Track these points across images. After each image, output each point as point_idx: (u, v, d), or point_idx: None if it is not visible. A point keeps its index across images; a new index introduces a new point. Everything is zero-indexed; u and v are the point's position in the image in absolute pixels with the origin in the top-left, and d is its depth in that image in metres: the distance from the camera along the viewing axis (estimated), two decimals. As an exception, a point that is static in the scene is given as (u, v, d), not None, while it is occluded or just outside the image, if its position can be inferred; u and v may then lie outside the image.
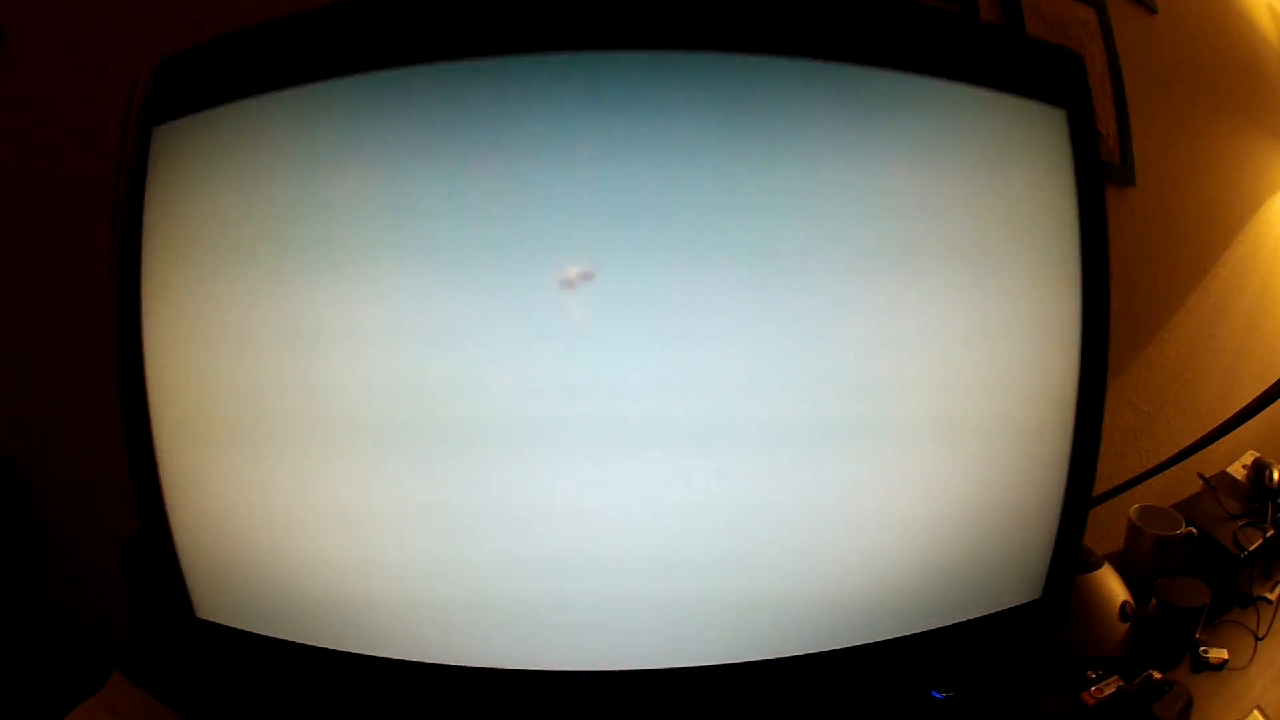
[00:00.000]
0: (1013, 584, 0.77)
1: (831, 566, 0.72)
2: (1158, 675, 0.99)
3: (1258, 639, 1.13)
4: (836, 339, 0.71)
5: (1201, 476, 1.26)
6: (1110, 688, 0.95)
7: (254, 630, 0.77)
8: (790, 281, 0.70)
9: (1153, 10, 1.54)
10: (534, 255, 0.67)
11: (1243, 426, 1.37)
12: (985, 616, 0.75)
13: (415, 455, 0.70)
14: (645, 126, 0.67)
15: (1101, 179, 0.79)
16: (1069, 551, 0.77)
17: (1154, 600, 1.04)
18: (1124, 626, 1.00)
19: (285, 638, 0.76)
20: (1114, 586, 1.01)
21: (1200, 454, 1.34)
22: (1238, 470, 1.31)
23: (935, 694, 0.75)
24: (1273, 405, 1.32)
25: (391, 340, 0.69)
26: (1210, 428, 1.31)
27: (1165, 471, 1.29)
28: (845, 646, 0.72)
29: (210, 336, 0.72)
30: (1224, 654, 1.09)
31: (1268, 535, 1.22)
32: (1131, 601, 1.02)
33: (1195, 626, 1.07)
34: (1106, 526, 1.18)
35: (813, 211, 0.70)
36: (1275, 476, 1.28)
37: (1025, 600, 0.77)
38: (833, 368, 0.71)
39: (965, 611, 0.75)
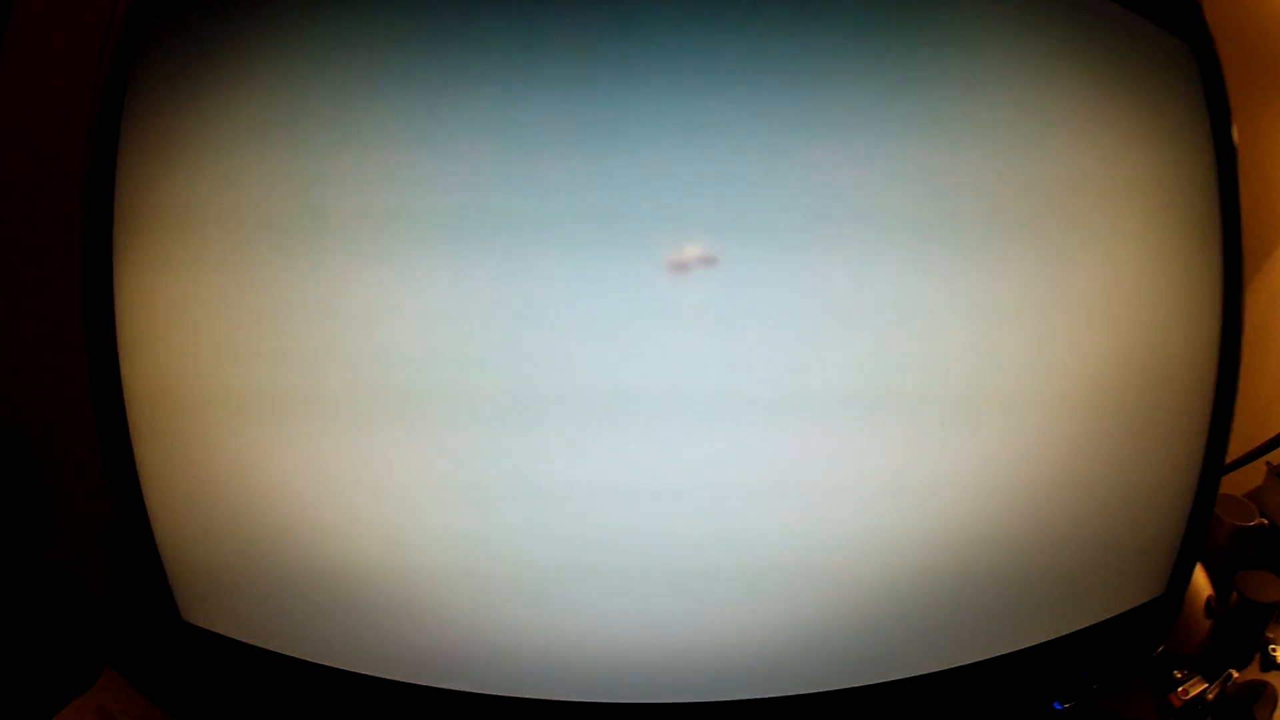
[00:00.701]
0: (1136, 580, 0.70)
1: (952, 580, 0.64)
2: (1236, 674, 0.93)
3: (1318, 636, 1.09)
4: (962, 303, 0.62)
5: (1270, 465, 1.20)
6: (1195, 688, 0.89)
7: (245, 640, 0.67)
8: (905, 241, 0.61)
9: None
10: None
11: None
12: (1107, 620, 0.68)
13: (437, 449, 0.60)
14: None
15: (1229, 121, 0.70)
16: (1196, 539, 0.70)
17: (1235, 595, 0.98)
18: (1207, 623, 0.94)
19: (278, 650, 0.66)
20: (1200, 580, 0.95)
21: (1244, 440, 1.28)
22: (1303, 460, 1.25)
23: (1056, 705, 0.68)
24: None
25: (428, 326, 0.59)
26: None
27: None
28: (963, 664, 0.64)
29: (199, 307, 0.61)
30: (1288, 652, 1.04)
31: (1334, 528, 1.17)
32: (1215, 596, 0.96)
33: (1266, 623, 1.02)
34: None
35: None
36: (1337, 467, 1.23)
37: (1148, 598, 0.70)
38: (956, 335, 0.62)
39: (1087, 616, 0.67)
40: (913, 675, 0.64)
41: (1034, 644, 0.66)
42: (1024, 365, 0.64)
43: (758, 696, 0.64)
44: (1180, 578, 0.70)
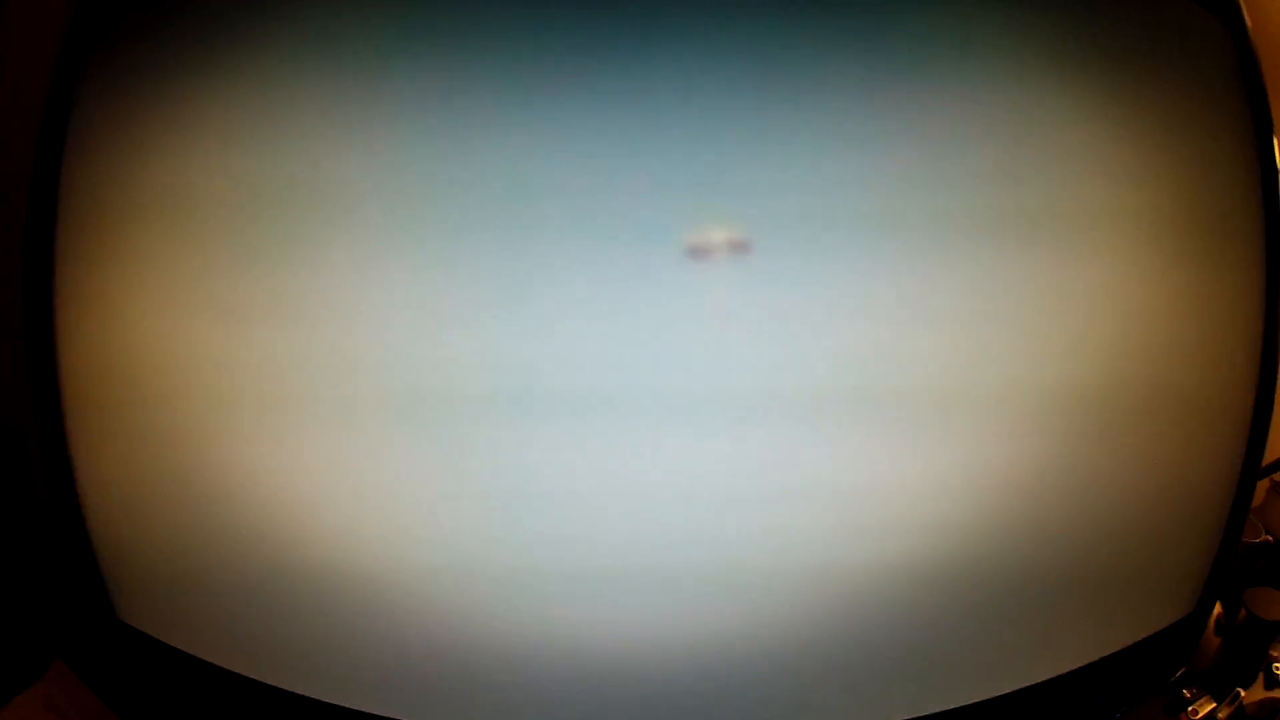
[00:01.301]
0: (1166, 600, 0.66)
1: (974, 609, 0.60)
2: (1243, 692, 0.91)
3: (1316, 653, 1.07)
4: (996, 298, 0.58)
5: (1273, 481, 1.19)
6: (1205, 708, 0.87)
7: (181, 648, 0.63)
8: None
9: None
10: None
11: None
12: (1137, 643, 0.64)
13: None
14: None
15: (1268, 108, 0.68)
16: (1230, 552, 0.67)
17: (1243, 612, 0.96)
18: (1217, 641, 0.92)
19: (222, 664, 0.62)
20: (1211, 596, 0.93)
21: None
22: (1303, 476, 1.24)
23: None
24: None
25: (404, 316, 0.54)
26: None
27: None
28: (975, 701, 0.60)
29: (143, 299, 0.57)
30: (1291, 670, 1.02)
31: (1334, 545, 1.16)
32: (1224, 614, 0.93)
33: (1273, 641, 1.00)
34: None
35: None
36: (1338, 485, 1.22)
37: (1178, 618, 0.66)
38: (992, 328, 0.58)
39: (1115, 641, 0.64)
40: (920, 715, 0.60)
41: (1056, 675, 0.62)
42: (1056, 372, 0.61)
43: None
44: (1210, 595, 0.67)
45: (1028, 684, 0.61)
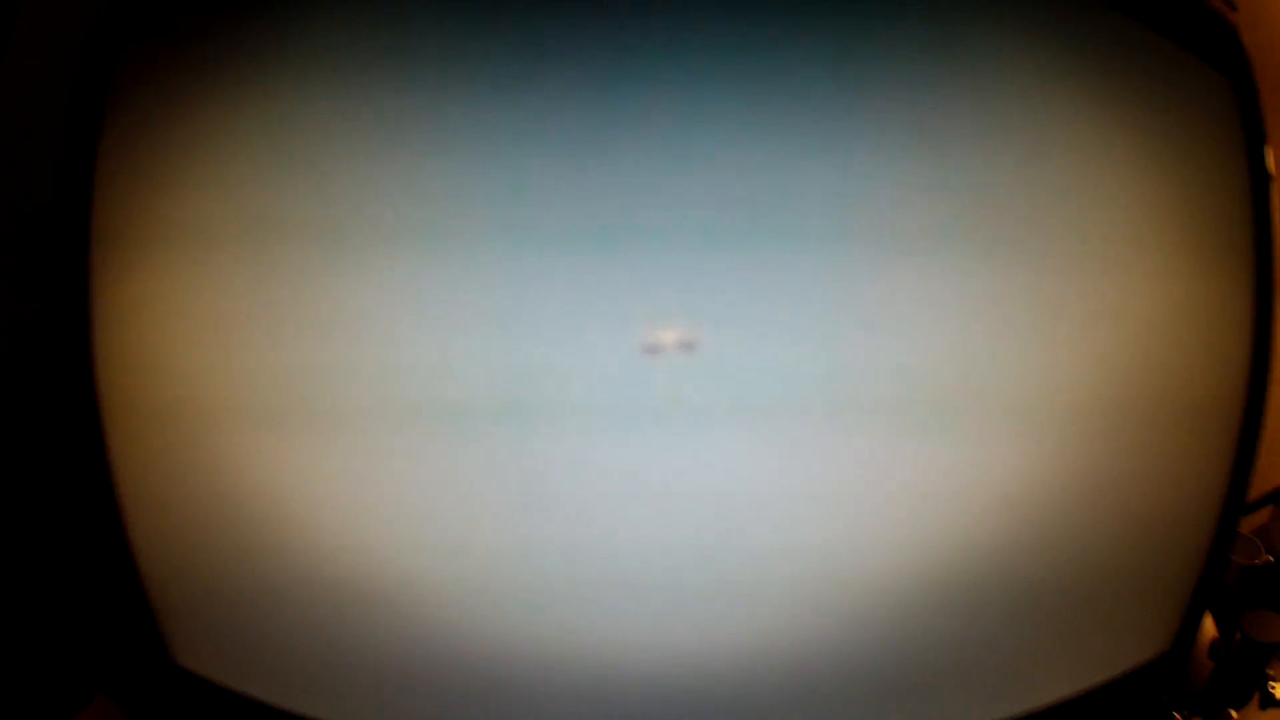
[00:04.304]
0: (1140, 634, 0.69)
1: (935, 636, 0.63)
2: (1235, 714, 0.93)
3: (1316, 673, 1.08)
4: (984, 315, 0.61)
5: (1276, 505, 1.19)
6: (1196, 730, 0.89)
7: (245, 691, 0.65)
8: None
9: (1234, 8, 1.44)
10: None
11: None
12: (1106, 683, 0.66)
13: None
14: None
15: (1263, 154, 0.69)
16: (1210, 587, 0.69)
17: (1239, 635, 0.97)
18: (1210, 665, 0.93)
19: (281, 705, 0.64)
20: (1205, 623, 0.94)
21: (1260, 479, 1.27)
22: (1304, 495, 1.24)
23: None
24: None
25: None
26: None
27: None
28: None
29: (186, 313, 0.59)
30: (1290, 689, 1.04)
31: (1337, 566, 1.16)
32: (1219, 637, 0.95)
33: (1268, 662, 1.01)
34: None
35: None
36: (1345, 504, 1.22)
37: (1153, 655, 0.69)
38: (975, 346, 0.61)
39: (1086, 678, 0.66)
40: None
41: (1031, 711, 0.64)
42: (1033, 393, 0.63)
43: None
44: (1189, 630, 0.69)
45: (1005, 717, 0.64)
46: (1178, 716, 0.89)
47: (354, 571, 0.63)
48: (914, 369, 0.60)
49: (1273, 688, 1.02)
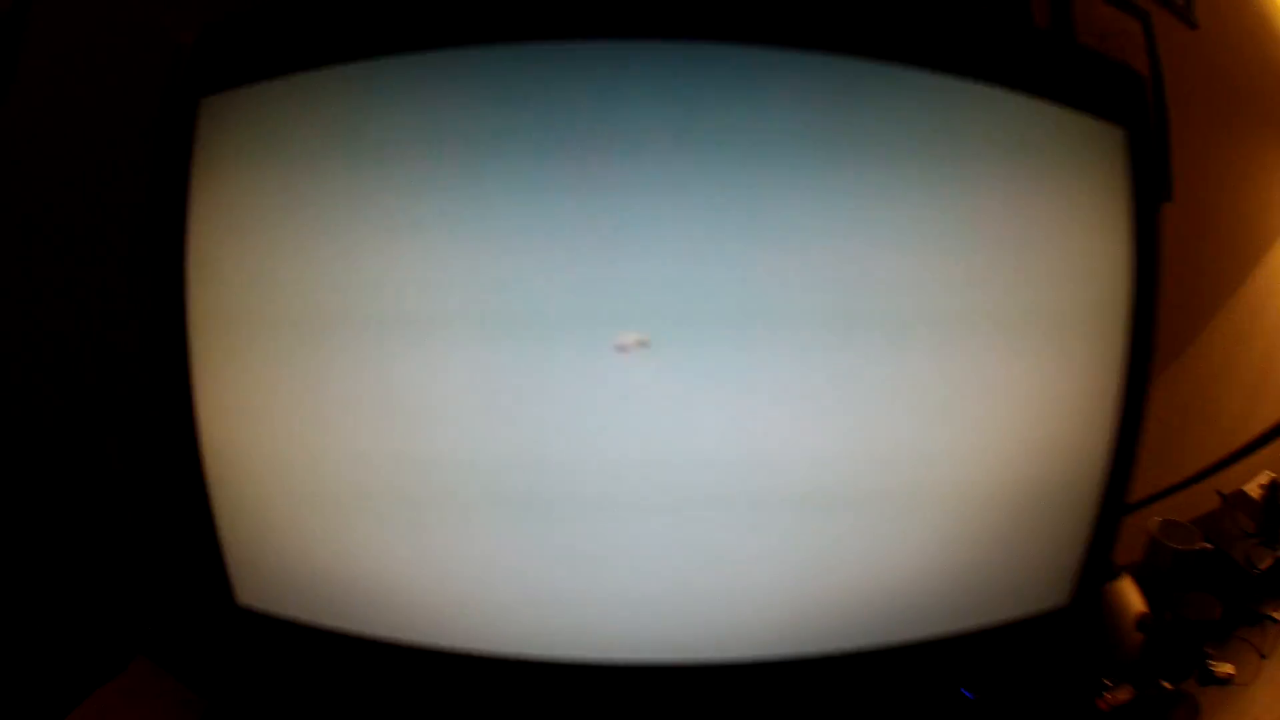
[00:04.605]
0: (1043, 590, 0.79)
1: (871, 568, 0.74)
2: (1169, 685, 1.01)
3: (1262, 657, 1.15)
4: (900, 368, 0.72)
5: (1220, 494, 1.28)
6: (1124, 695, 0.97)
7: (297, 618, 0.77)
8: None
9: (1193, 25, 1.53)
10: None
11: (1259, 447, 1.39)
12: (1014, 621, 0.77)
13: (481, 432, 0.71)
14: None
15: (1159, 200, 0.79)
16: (1100, 560, 0.79)
17: (1169, 612, 1.05)
18: (1139, 637, 1.02)
19: (332, 626, 0.76)
20: (1132, 597, 1.03)
21: (1220, 473, 1.36)
22: (1254, 489, 1.32)
23: (966, 693, 0.77)
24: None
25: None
26: (1232, 445, 1.31)
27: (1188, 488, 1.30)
28: (877, 646, 0.74)
29: (263, 309, 0.72)
30: (1230, 669, 1.10)
31: (1279, 555, 1.24)
32: (1148, 613, 1.03)
33: (1205, 640, 1.09)
34: (1126, 539, 1.19)
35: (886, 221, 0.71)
36: (1291, 497, 1.30)
37: (1053, 606, 0.79)
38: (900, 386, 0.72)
39: (995, 615, 0.77)
40: (840, 651, 0.74)
41: (948, 633, 0.75)
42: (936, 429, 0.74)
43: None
44: (1087, 591, 0.79)
45: (940, 635, 0.74)
46: (1107, 682, 0.98)
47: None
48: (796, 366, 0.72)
49: (1212, 666, 1.10)
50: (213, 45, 0.69)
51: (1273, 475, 1.36)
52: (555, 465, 0.71)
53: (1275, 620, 1.22)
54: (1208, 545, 1.16)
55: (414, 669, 0.77)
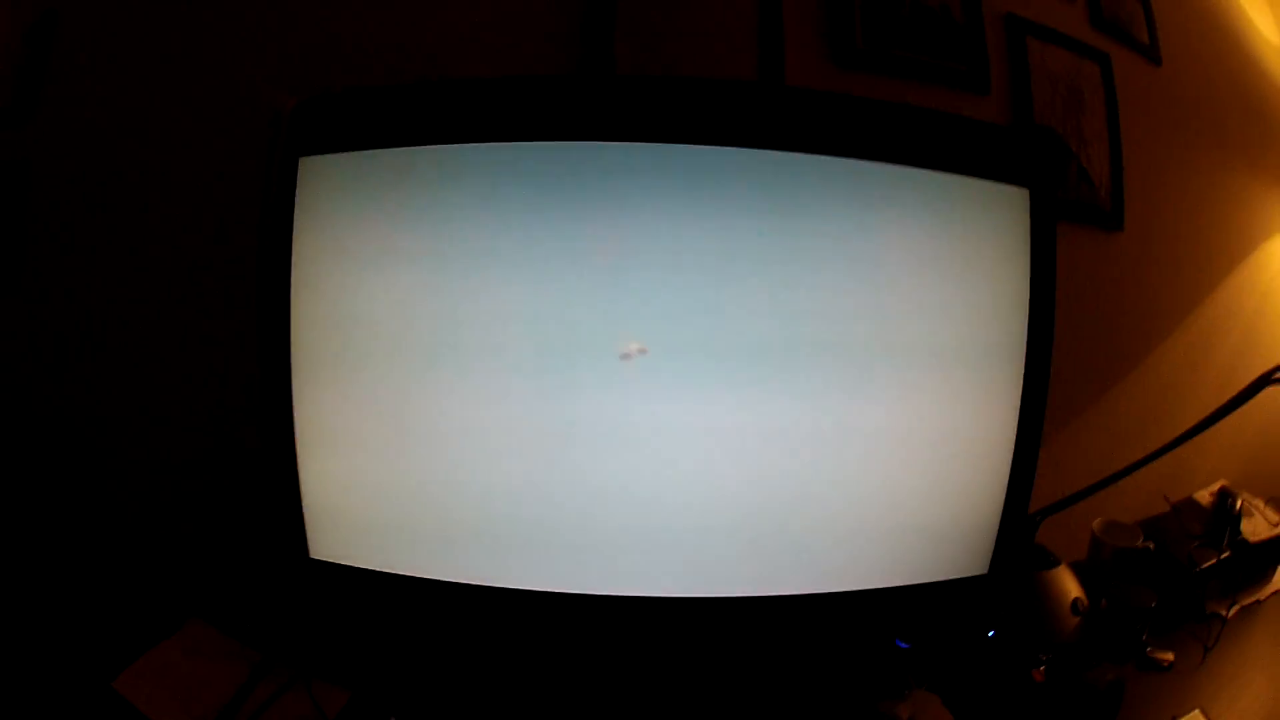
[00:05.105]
0: (967, 560, 0.92)
1: (821, 529, 0.89)
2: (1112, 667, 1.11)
3: (1206, 649, 1.25)
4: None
5: (1166, 499, 1.38)
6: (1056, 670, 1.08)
7: (368, 566, 0.90)
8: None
9: (1156, 62, 1.65)
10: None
11: (1214, 459, 1.48)
12: (942, 582, 0.90)
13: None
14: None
15: (1053, 245, 0.90)
16: (1010, 539, 0.92)
17: (1104, 601, 1.16)
18: (1074, 620, 1.13)
19: (399, 571, 0.90)
20: (1069, 584, 1.14)
21: (1173, 480, 1.46)
22: (1204, 496, 1.43)
23: (900, 644, 0.91)
24: (1243, 433, 1.43)
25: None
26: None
27: (1139, 493, 1.40)
28: (819, 592, 0.88)
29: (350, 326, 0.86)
30: (1170, 656, 1.20)
31: (1223, 555, 1.34)
32: (1084, 598, 1.14)
33: (1143, 628, 1.19)
34: (1077, 536, 1.30)
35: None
36: (1237, 505, 1.40)
37: (975, 573, 0.92)
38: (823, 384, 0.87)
39: (926, 575, 0.90)
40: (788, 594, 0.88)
41: (882, 586, 0.90)
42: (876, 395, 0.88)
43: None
44: (1002, 564, 0.92)
45: (874, 586, 0.89)
46: (1042, 657, 1.09)
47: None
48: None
49: (1151, 652, 1.20)
50: (307, 115, 0.85)
51: (1225, 483, 1.46)
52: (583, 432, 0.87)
53: (1222, 617, 1.31)
54: (1149, 545, 1.27)
55: (460, 608, 0.91)
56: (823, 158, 0.83)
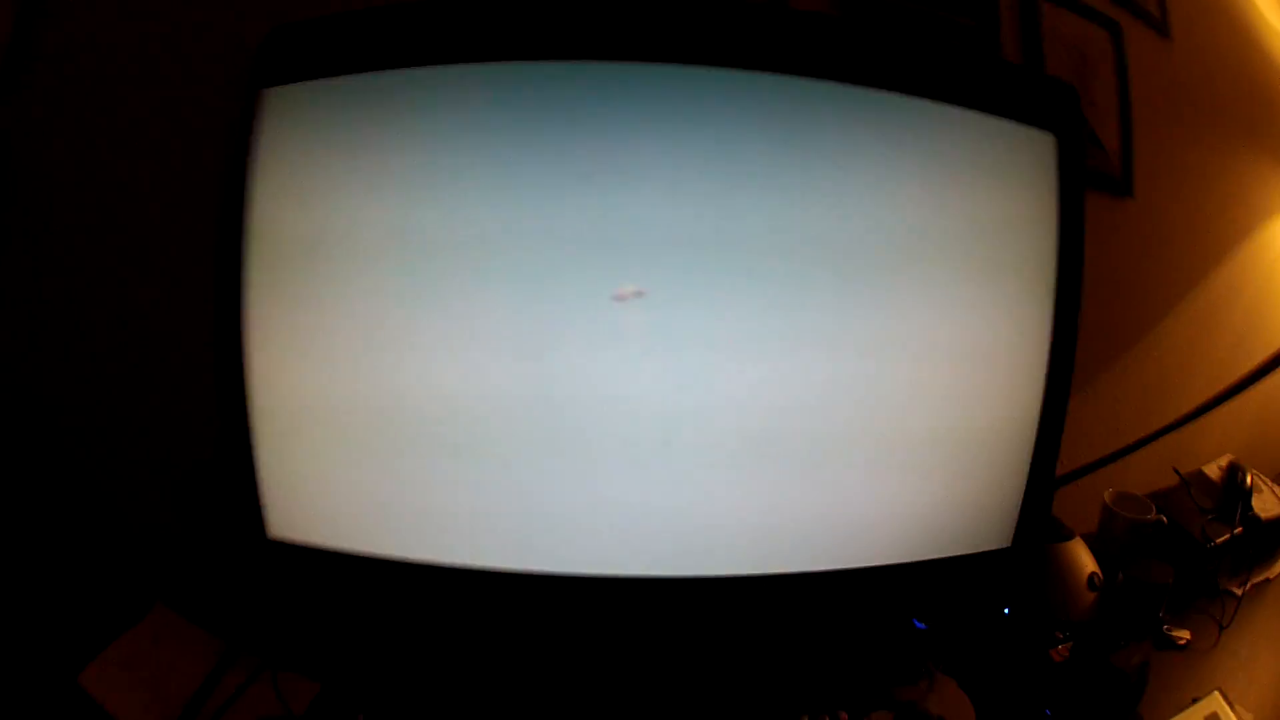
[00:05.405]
0: (988, 532, 0.86)
1: (834, 498, 0.82)
2: (1124, 644, 1.07)
3: (1221, 627, 1.21)
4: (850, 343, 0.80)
5: (1176, 471, 1.34)
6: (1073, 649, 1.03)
7: (326, 546, 0.82)
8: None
9: (1166, 35, 1.62)
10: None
11: (1223, 433, 1.45)
12: (963, 556, 0.84)
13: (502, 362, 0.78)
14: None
15: (1082, 197, 0.86)
16: (1035, 508, 0.86)
17: (1121, 576, 1.12)
18: (1091, 595, 1.08)
19: (360, 551, 0.82)
20: (1084, 558, 1.09)
21: (1180, 453, 1.42)
22: (1213, 470, 1.39)
23: (917, 623, 0.84)
24: (1247, 409, 1.40)
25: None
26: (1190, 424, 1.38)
27: (1148, 465, 1.36)
28: (838, 569, 0.82)
29: (306, 259, 0.78)
30: (1186, 635, 1.17)
31: (1235, 532, 1.30)
32: (1099, 573, 1.10)
33: (1160, 605, 1.15)
34: (1086, 509, 1.26)
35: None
36: (1247, 479, 1.36)
37: (997, 547, 0.86)
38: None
39: (947, 548, 0.84)
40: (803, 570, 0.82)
41: (902, 562, 0.84)
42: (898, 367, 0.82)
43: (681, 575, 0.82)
44: (1025, 536, 0.86)
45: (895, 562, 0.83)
46: (1058, 635, 1.04)
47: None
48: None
49: (1168, 630, 1.16)
50: (275, 44, 0.78)
51: (1232, 457, 1.42)
52: (562, 397, 0.79)
53: (1234, 594, 1.28)
54: (1162, 518, 1.23)
55: (427, 588, 0.83)
56: (839, 85, 0.76)
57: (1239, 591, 1.27)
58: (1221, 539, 1.27)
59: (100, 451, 1.11)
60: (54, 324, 1.07)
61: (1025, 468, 0.85)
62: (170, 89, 1.02)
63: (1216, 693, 1.06)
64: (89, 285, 1.07)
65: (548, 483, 0.79)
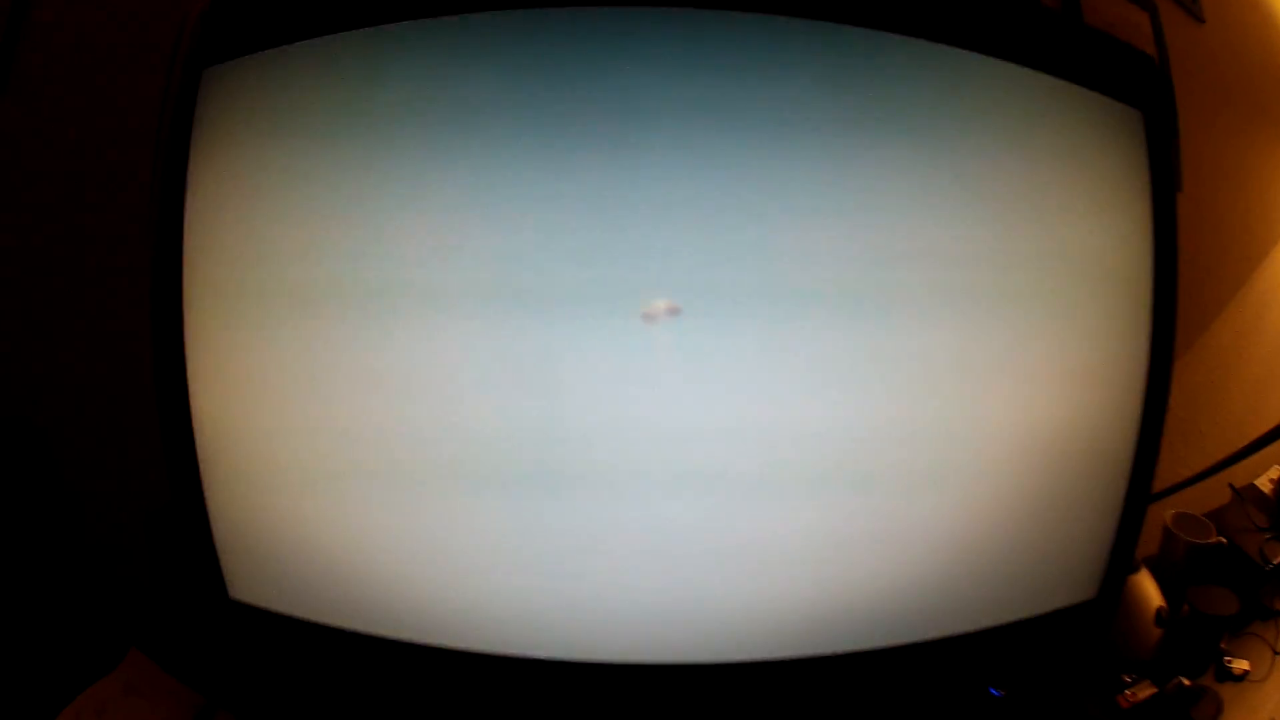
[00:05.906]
0: (1069, 583, 0.76)
1: (893, 562, 0.71)
2: (1187, 682, 0.99)
3: (1276, 653, 1.14)
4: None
5: (1232, 488, 1.26)
6: (1144, 692, 0.95)
7: (293, 614, 0.73)
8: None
9: (1200, 19, 1.53)
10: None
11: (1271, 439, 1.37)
12: (1042, 615, 0.74)
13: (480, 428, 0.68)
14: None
15: (1175, 184, 0.77)
16: (1126, 550, 0.77)
17: (1186, 606, 1.04)
18: (1158, 632, 1.00)
19: (325, 622, 0.73)
20: (1150, 591, 1.01)
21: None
22: (1265, 484, 1.31)
23: (993, 691, 0.75)
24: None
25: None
26: (1239, 439, 1.30)
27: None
28: (901, 643, 0.71)
29: (257, 287, 0.69)
30: (1246, 665, 1.09)
31: (1294, 550, 1.23)
32: (1165, 606, 1.01)
33: (1222, 636, 1.07)
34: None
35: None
36: (1301, 492, 1.29)
37: (1080, 600, 0.76)
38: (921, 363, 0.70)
39: (1022, 610, 0.74)
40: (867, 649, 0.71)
41: (976, 629, 0.72)
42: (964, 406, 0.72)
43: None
44: (1113, 583, 0.77)
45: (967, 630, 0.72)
46: (1126, 679, 0.96)
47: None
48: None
49: (1228, 662, 1.09)
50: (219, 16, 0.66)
51: (1281, 469, 1.35)
52: (570, 446, 0.68)
53: (1288, 617, 1.21)
54: (1222, 540, 1.15)
55: (411, 667, 0.74)
56: (900, 38, 0.66)
57: (1293, 614, 1.20)
58: (1279, 559, 1.19)
59: (73, 488, 1.01)
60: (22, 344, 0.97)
61: (1118, 507, 0.75)
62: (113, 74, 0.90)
63: (1273, 726, 0.99)
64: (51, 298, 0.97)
65: (549, 548, 0.69)
